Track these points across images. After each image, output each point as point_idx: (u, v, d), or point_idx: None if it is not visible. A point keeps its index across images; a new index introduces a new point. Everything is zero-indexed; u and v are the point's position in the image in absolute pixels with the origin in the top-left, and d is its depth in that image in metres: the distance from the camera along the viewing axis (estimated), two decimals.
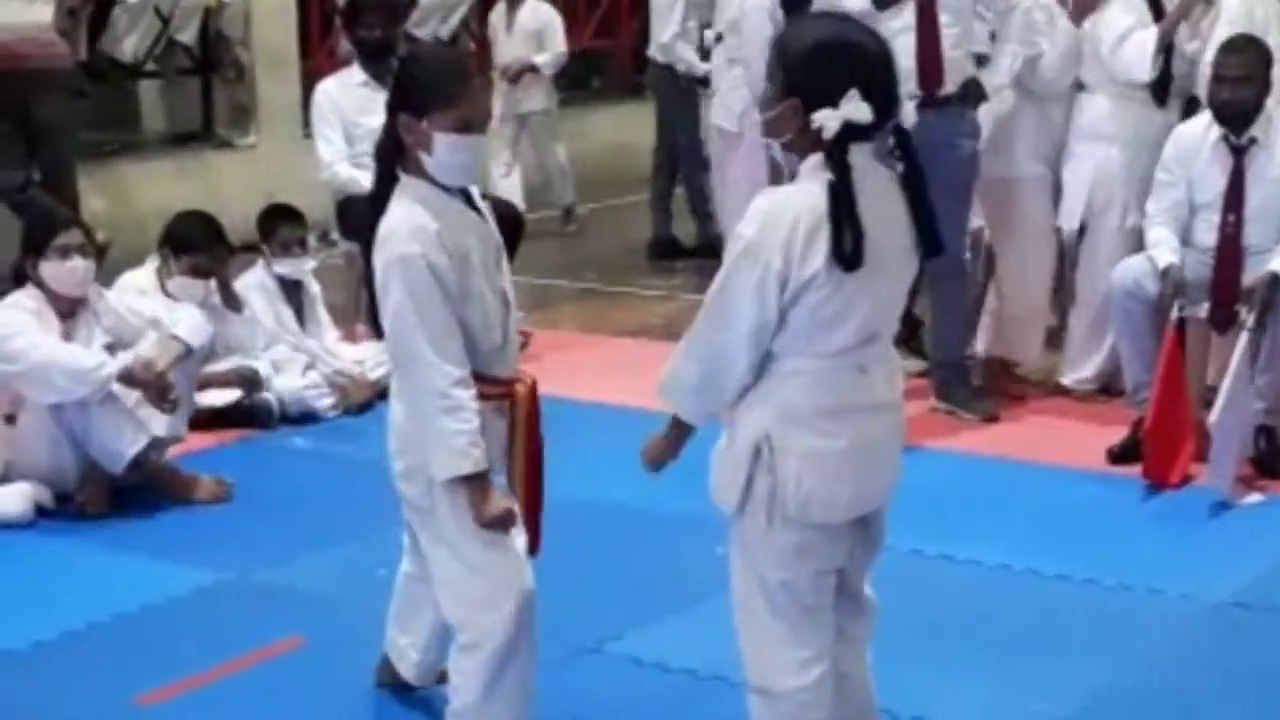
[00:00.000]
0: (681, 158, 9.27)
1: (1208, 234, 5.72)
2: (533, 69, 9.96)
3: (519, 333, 3.51)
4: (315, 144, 7.21)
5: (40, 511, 5.29)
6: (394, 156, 3.35)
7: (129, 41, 9.54)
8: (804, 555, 3.06)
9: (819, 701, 3.11)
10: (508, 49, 10.07)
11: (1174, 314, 5.50)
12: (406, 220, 3.27)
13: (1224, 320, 5.62)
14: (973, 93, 6.22)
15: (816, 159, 2.95)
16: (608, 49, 13.24)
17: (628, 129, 10.08)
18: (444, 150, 3.28)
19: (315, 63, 10.18)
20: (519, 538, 3.39)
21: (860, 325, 2.99)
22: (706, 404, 3.08)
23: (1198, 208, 5.76)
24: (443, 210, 3.30)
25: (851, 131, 2.92)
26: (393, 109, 3.35)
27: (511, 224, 6.92)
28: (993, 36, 6.33)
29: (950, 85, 6.12)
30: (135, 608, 4.61)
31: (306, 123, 7.77)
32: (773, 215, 2.94)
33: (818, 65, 2.93)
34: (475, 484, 3.27)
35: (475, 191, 3.46)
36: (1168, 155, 5.85)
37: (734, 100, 7.69)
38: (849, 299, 2.95)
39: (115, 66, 9.56)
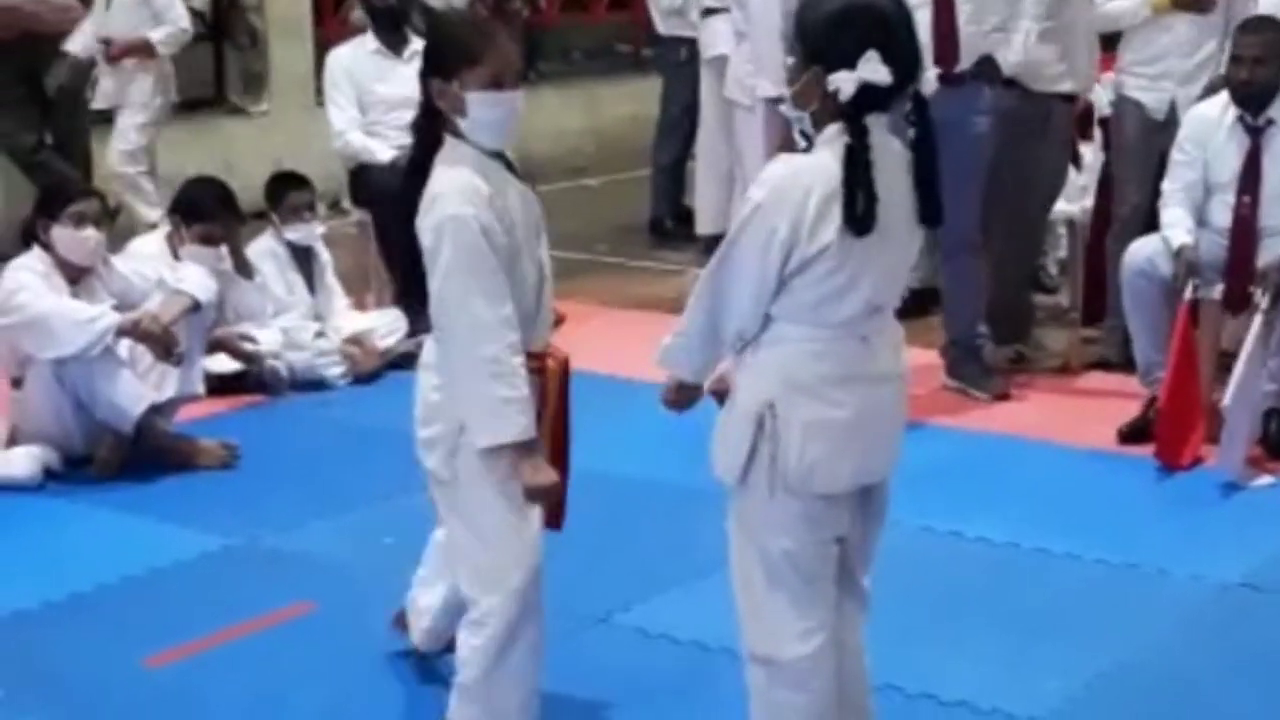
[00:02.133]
0: (672, 130, 9.18)
1: (1223, 215, 5.70)
2: (145, 48, 8.36)
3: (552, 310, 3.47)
4: (328, 111, 7.21)
5: (48, 474, 5.30)
6: (431, 125, 3.31)
7: None
8: (806, 524, 3.05)
9: (820, 670, 3.11)
10: (107, 20, 8.24)
11: (1187, 295, 5.48)
12: (456, 180, 3.21)
13: (1238, 301, 5.60)
14: (986, 70, 6.20)
15: (835, 127, 2.95)
16: (619, 21, 13.20)
17: (640, 101, 10.03)
18: (478, 109, 3.24)
19: (328, 30, 10.16)
20: (534, 514, 3.36)
21: (866, 297, 2.99)
22: (706, 357, 3.09)
23: (1213, 188, 5.74)
24: (487, 173, 3.25)
25: (870, 96, 2.91)
26: (425, 76, 3.31)
27: None
28: None
29: (965, 62, 6.10)
30: (143, 571, 4.62)
31: (319, 90, 7.76)
32: (785, 182, 2.95)
33: (835, 30, 2.93)
34: (524, 452, 3.22)
35: (511, 157, 3.40)
36: (1184, 135, 5.83)
37: (745, 73, 7.66)
38: (856, 270, 2.95)
39: None
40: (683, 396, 3.19)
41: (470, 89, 3.23)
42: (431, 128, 3.31)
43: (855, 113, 2.92)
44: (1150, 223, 5.96)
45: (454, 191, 3.20)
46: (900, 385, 3.15)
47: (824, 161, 2.94)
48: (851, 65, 2.90)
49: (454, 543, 3.42)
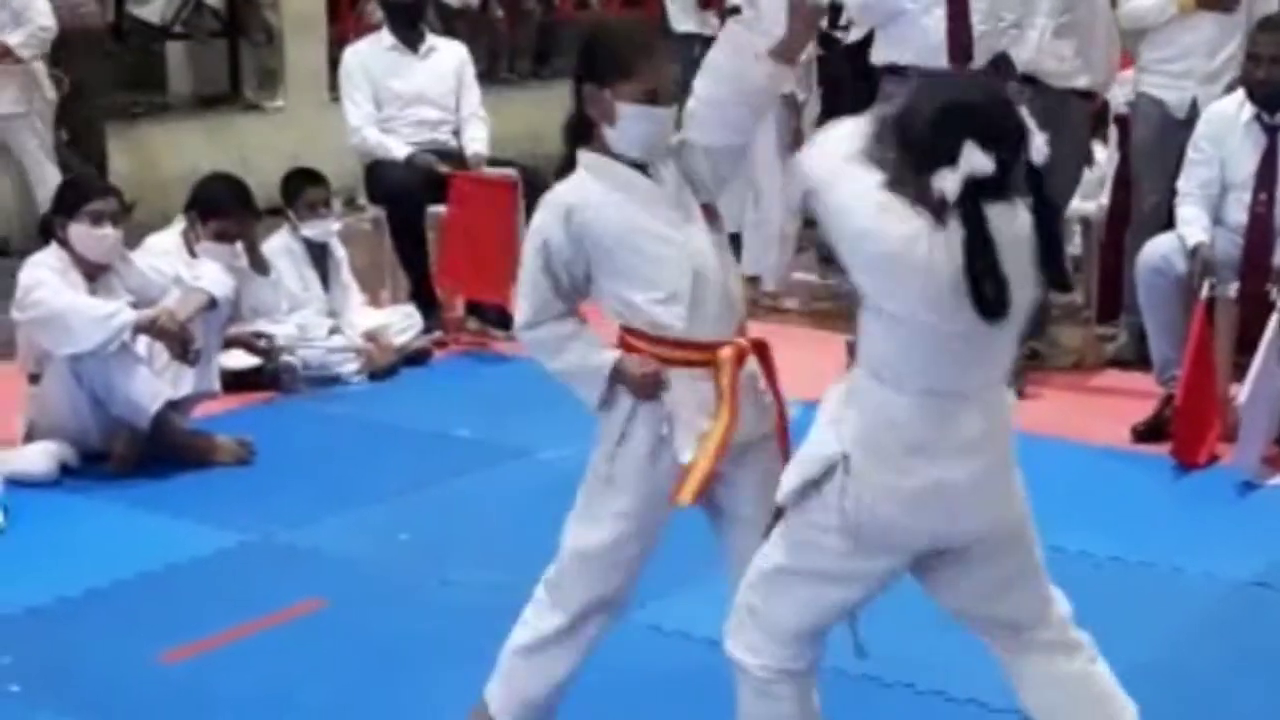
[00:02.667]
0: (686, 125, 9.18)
1: (1239, 213, 5.70)
2: (6, 53, 7.66)
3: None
4: (343, 108, 7.22)
5: (64, 470, 5.31)
6: (579, 134, 3.30)
7: (157, 4, 9.55)
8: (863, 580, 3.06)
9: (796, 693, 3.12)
10: None
11: (1203, 293, 5.47)
12: (559, 189, 3.29)
13: (1254, 299, 5.59)
14: (1002, 68, 6.20)
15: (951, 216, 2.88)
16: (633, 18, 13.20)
17: None
18: (628, 121, 3.22)
19: (343, 26, 10.18)
20: (642, 541, 3.37)
21: (966, 367, 2.95)
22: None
23: (1229, 186, 5.74)
24: (613, 181, 3.25)
25: (980, 186, 2.85)
26: (578, 80, 3.29)
27: (538, 193, 6.92)
28: None
29: (979, 60, 6.10)
30: (159, 567, 4.63)
31: (334, 86, 7.78)
32: (900, 246, 2.87)
33: (932, 133, 2.88)
34: (614, 378, 3.26)
35: (660, 164, 3.32)
36: (1200, 133, 5.82)
37: None
38: (980, 345, 2.91)
39: (143, 28, 9.56)
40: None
41: (623, 99, 3.22)
42: (580, 130, 3.31)
43: (968, 202, 2.85)
44: (1170, 221, 5.95)
45: (549, 199, 3.28)
46: (994, 454, 3.05)
47: (938, 240, 2.86)
48: (952, 161, 2.84)
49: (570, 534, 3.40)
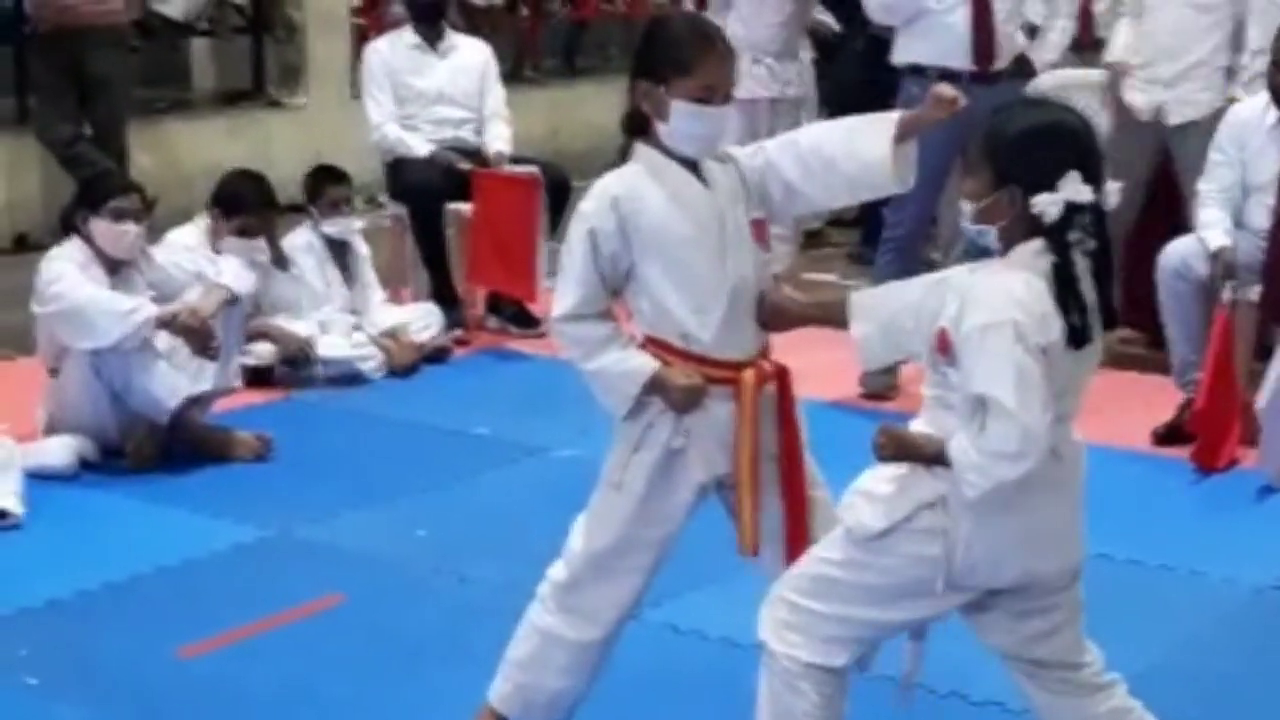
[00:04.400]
0: None
1: (1261, 216, 5.68)
2: None
3: None
4: (365, 105, 7.23)
5: (84, 464, 5.33)
6: (636, 128, 3.28)
7: (181, 0, 9.55)
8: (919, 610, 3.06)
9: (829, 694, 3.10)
10: None
11: (1225, 296, 5.45)
12: (610, 177, 3.26)
13: (1275, 304, 5.57)
14: (1024, 68, 6.20)
15: (1034, 246, 2.90)
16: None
17: None
18: (681, 119, 3.20)
19: (367, 24, 10.18)
20: (651, 556, 3.36)
21: (1064, 405, 2.96)
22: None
23: (1251, 189, 5.72)
24: (662, 176, 3.23)
25: (1070, 213, 2.88)
26: (634, 75, 3.27)
27: (559, 190, 6.94)
28: None
29: (1002, 61, 6.10)
30: (177, 561, 4.64)
31: (356, 84, 7.79)
32: (1022, 297, 2.86)
33: (1035, 151, 2.89)
34: (651, 388, 3.22)
35: (713, 164, 3.31)
36: (1222, 136, 5.81)
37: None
38: (1058, 379, 2.91)
39: (167, 24, 9.57)
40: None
41: (677, 97, 3.20)
42: (634, 129, 3.29)
43: (1057, 230, 2.88)
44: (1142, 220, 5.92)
45: (597, 188, 3.25)
46: (1078, 490, 3.11)
47: (1028, 278, 2.88)
48: (1050, 185, 2.86)
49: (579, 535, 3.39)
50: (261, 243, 5.98)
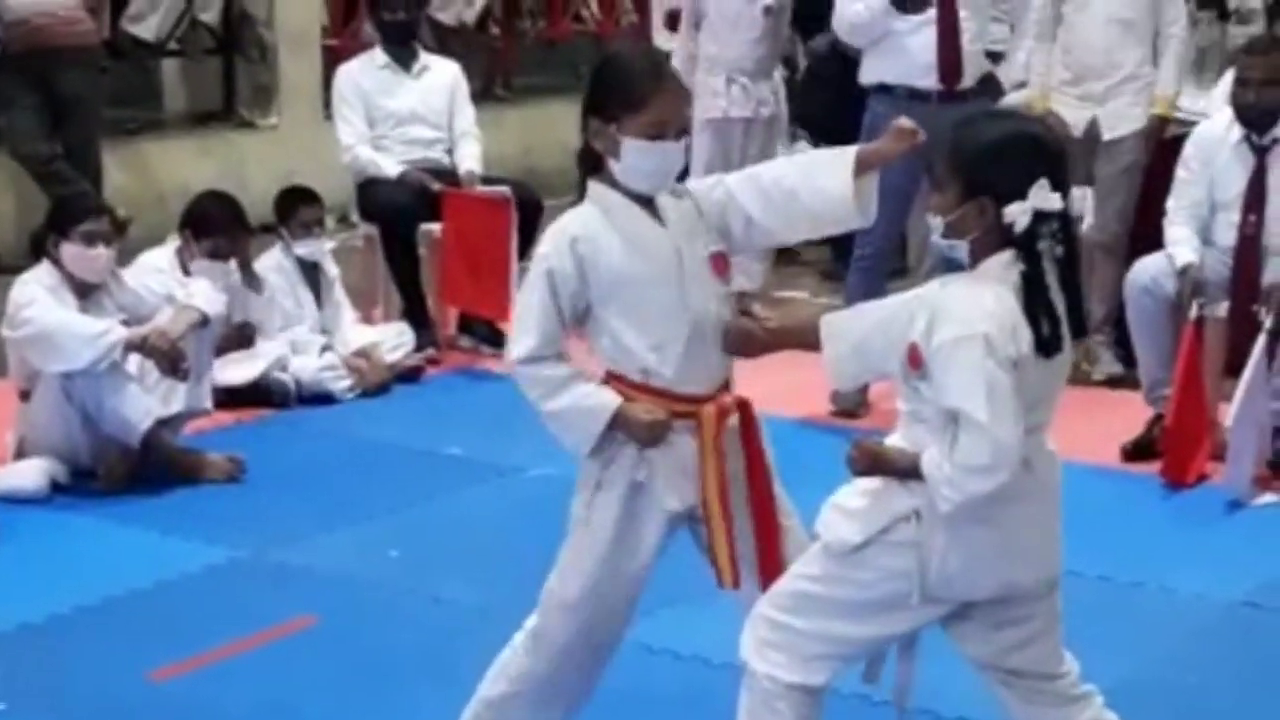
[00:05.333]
0: None
1: (1228, 233, 5.72)
2: None
3: None
4: (336, 126, 7.23)
5: (55, 487, 5.31)
6: (590, 165, 3.28)
7: (152, 20, 9.53)
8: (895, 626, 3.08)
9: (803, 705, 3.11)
10: None
11: (1193, 313, 5.49)
12: (567, 219, 3.26)
13: (1242, 320, 5.61)
14: (990, 87, 6.25)
15: (1004, 257, 2.92)
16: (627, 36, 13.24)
17: None
18: (633, 156, 3.20)
19: (338, 45, 10.18)
20: (629, 588, 3.36)
21: (1036, 415, 2.98)
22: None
23: (1218, 207, 5.76)
24: (617, 217, 3.23)
25: (1039, 222, 2.90)
26: (585, 113, 3.27)
27: (530, 209, 6.95)
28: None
29: (968, 79, 6.14)
30: (149, 584, 4.63)
31: (328, 104, 7.79)
32: (993, 309, 2.89)
33: (1004, 161, 2.92)
34: (615, 424, 3.20)
35: (676, 187, 3.33)
36: (1188, 153, 5.85)
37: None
38: (1033, 389, 2.94)
39: (138, 45, 9.56)
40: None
41: (628, 134, 3.20)
42: (588, 168, 3.29)
43: (1026, 240, 2.90)
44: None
45: (553, 229, 3.25)
46: (1055, 500, 3.12)
47: (998, 290, 2.91)
48: (1020, 194, 2.88)
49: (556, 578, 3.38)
50: (232, 264, 5.97)
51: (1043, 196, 2.89)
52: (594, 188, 3.28)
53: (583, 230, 3.22)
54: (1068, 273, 2.98)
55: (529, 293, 3.25)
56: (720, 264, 3.30)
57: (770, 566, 3.30)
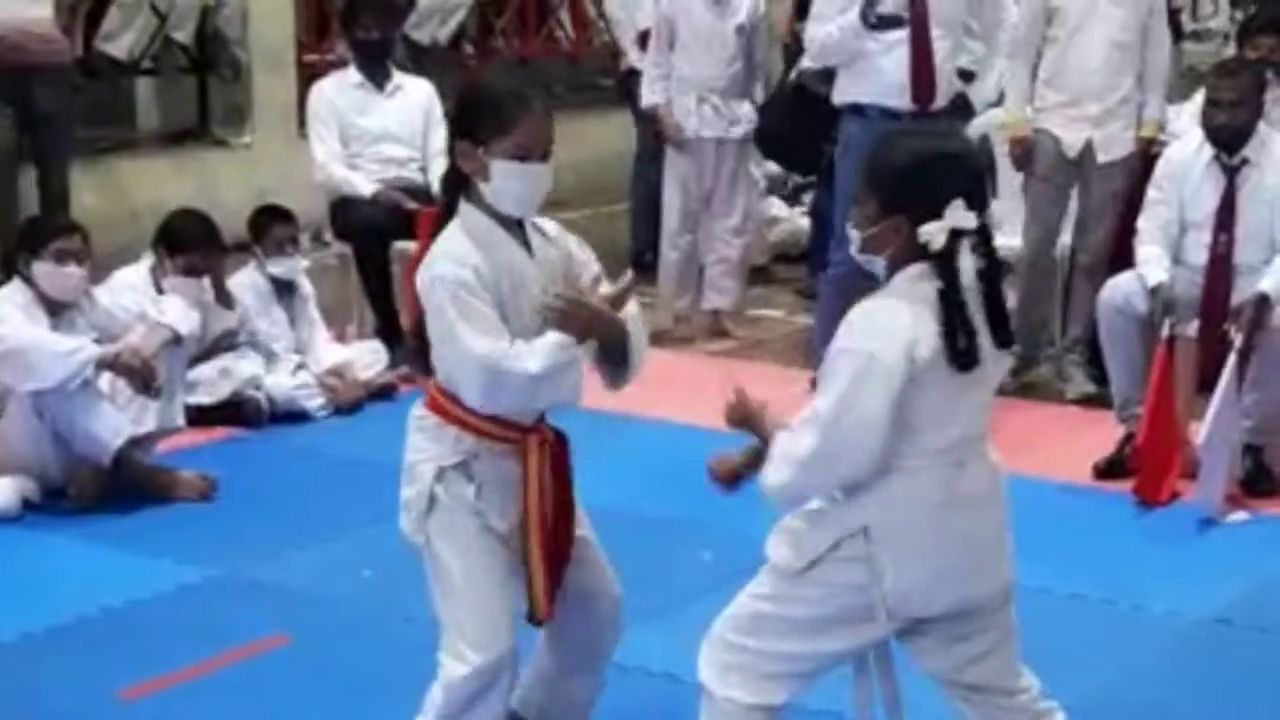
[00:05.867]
0: (648, 164, 9.08)
1: (1198, 253, 5.75)
2: None
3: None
4: (310, 144, 7.23)
5: (27, 505, 5.29)
6: (457, 188, 3.32)
7: (125, 39, 9.52)
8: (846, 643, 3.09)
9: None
10: None
11: (1164, 332, 5.51)
12: (446, 248, 3.27)
13: (1213, 339, 5.64)
14: (962, 107, 6.28)
15: (918, 269, 2.95)
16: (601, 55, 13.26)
17: (622, 135, 10.07)
18: (501, 179, 3.25)
19: (313, 63, 10.18)
20: (506, 586, 3.38)
21: (962, 424, 3.00)
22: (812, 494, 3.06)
23: (1189, 226, 5.79)
24: (488, 241, 3.27)
25: (955, 239, 2.93)
26: (452, 136, 3.32)
27: None
28: None
29: (941, 100, 6.17)
30: (120, 603, 4.62)
31: (302, 123, 7.79)
32: (890, 326, 2.92)
33: (919, 179, 2.94)
34: (570, 342, 3.23)
35: (540, 223, 3.40)
36: (1159, 173, 5.89)
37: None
38: (953, 399, 2.96)
39: (112, 64, 9.55)
40: (743, 470, 3.17)
41: (495, 157, 3.24)
42: (456, 191, 3.32)
43: (943, 257, 2.93)
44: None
45: (440, 254, 3.25)
46: (997, 508, 3.12)
47: (911, 301, 2.93)
48: (937, 214, 2.90)
49: (437, 607, 3.42)
50: (206, 282, 5.97)
51: (958, 215, 2.91)
52: (465, 210, 3.31)
53: (458, 249, 3.25)
54: (990, 285, 3.01)
55: (449, 314, 3.20)
56: None
57: (550, 592, 3.41)
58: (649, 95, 7.58)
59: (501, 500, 3.35)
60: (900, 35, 6.07)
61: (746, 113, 7.56)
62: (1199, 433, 5.33)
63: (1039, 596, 4.68)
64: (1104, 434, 5.85)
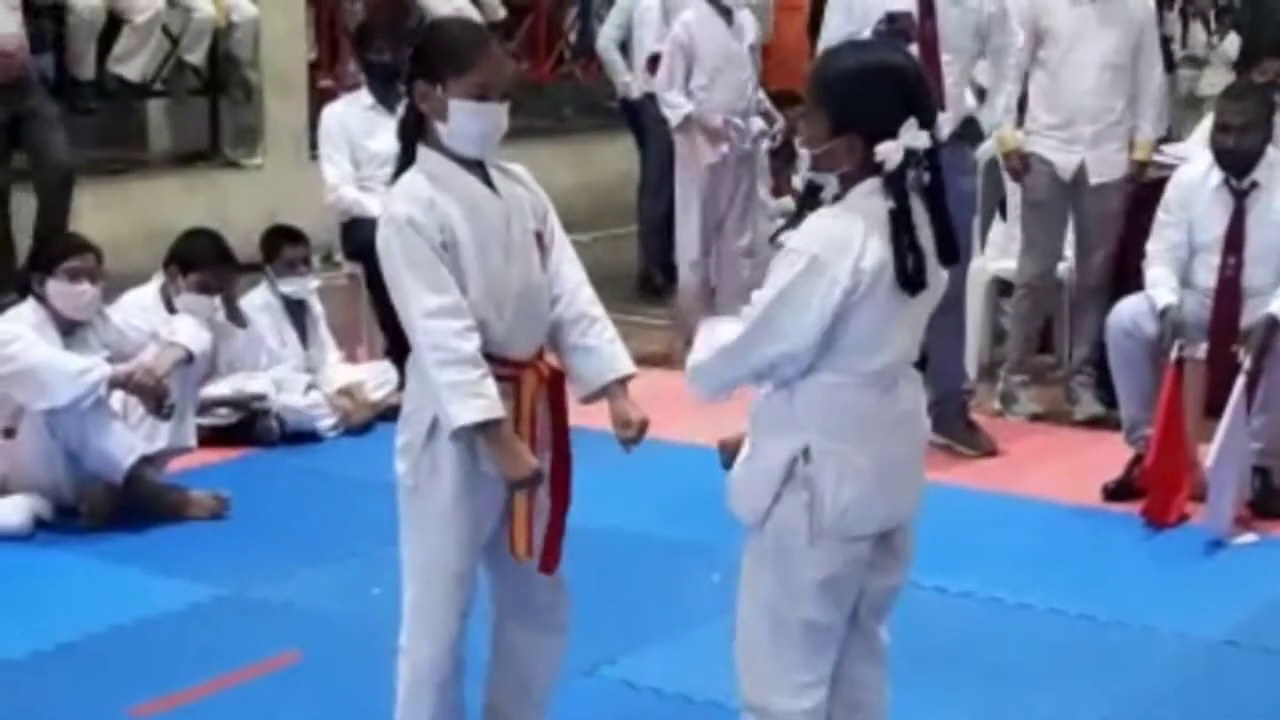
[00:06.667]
0: (656, 187, 9.11)
1: (1207, 275, 5.76)
2: None
3: None
4: (321, 166, 7.26)
5: (38, 524, 5.30)
6: (415, 131, 3.34)
7: (138, 61, 9.55)
8: (827, 588, 3.08)
9: None
10: None
11: (1173, 354, 5.52)
12: (405, 186, 3.29)
13: (1222, 361, 5.65)
14: (971, 131, 6.29)
15: (870, 185, 2.97)
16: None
17: (631, 158, 10.09)
18: (459, 118, 3.26)
19: (331, 85, 10.21)
20: (453, 577, 3.39)
21: (898, 346, 3.04)
22: (728, 386, 3.10)
23: (1197, 249, 5.80)
24: (449, 182, 3.29)
25: (908, 159, 2.95)
26: (411, 77, 3.34)
27: None
28: None
29: (950, 123, 6.17)
30: (131, 621, 4.63)
31: (313, 145, 7.81)
32: (838, 232, 2.96)
33: (871, 96, 2.96)
34: (491, 435, 3.23)
35: (505, 165, 3.41)
36: (1169, 196, 5.90)
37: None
38: (892, 320, 3.00)
39: (124, 85, 9.58)
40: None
41: (454, 96, 3.26)
42: (414, 137, 3.34)
43: (895, 177, 2.95)
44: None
45: (397, 194, 3.28)
46: (922, 430, 3.20)
47: (863, 215, 2.96)
48: (892, 132, 2.92)
49: (403, 554, 3.45)
50: (218, 301, 5.99)
51: (913, 135, 2.93)
52: (423, 154, 3.32)
53: (421, 190, 3.26)
54: (935, 201, 3.03)
55: (396, 256, 3.23)
56: (541, 241, 3.40)
57: (553, 538, 3.41)
58: (679, 107, 7.56)
59: None
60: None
61: (758, 127, 7.62)
62: (1208, 455, 5.34)
63: (1049, 618, 4.71)
64: (1112, 456, 5.86)
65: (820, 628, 3.09)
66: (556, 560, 3.43)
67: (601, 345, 3.43)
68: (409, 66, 3.35)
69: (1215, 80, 13.28)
